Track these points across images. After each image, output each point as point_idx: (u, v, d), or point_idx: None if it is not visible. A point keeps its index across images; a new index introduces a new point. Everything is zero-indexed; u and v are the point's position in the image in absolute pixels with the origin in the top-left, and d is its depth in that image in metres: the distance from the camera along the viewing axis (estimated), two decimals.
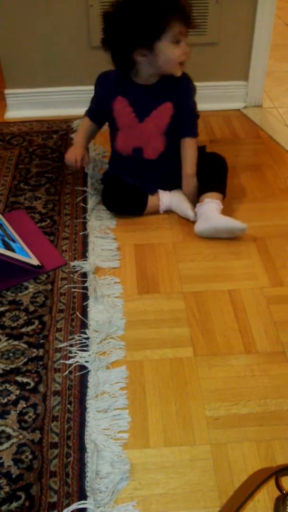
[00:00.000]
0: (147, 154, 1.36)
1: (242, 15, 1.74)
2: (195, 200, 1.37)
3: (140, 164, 1.38)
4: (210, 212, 1.30)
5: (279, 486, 0.62)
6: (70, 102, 1.89)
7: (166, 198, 1.39)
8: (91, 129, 1.43)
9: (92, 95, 1.41)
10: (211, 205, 1.32)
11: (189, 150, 1.37)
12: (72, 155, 1.38)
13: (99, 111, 1.39)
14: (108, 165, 1.49)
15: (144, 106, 1.32)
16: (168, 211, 1.41)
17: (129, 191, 1.38)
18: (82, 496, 0.80)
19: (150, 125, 1.33)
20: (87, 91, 1.86)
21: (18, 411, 0.92)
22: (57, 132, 1.78)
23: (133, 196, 1.38)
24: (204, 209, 1.32)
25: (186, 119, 1.35)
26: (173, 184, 1.40)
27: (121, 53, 1.25)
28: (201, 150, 1.44)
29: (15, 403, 0.94)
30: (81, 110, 1.88)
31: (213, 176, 1.37)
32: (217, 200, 1.33)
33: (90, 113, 1.42)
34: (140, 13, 1.19)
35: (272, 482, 0.64)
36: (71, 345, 1.04)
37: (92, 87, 1.84)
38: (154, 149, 1.36)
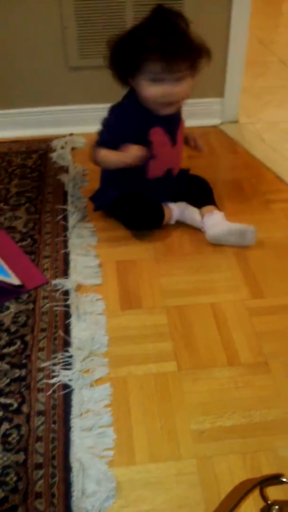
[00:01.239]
0: (174, 172, 1.41)
1: (215, 33, 1.78)
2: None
3: (164, 182, 1.40)
4: (222, 219, 1.37)
5: (263, 496, 0.62)
6: (49, 122, 1.90)
7: (176, 209, 1.41)
8: None
9: (67, 113, 1.41)
10: (220, 215, 1.38)
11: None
12: (133, 152, 1.26)
13: (116, 143, 1.30)
14: (107, 187, 1.46)
15: (174, 131, 1.34)
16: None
17: (147, 205, 1.38)
18: None
19: (179, 146, 1.38)
20: (66, 111, 1.89)
21: (1, 433, 0.91)
22: (37, 152, 1.79)
23: (152, 209, 1.39)
24: (215, 218, 1.37)
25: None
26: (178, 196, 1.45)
27: (118, 78, 1.26)
28: (185, 172, 1.48)
29: None
30: (60, 130, 1.90)
31: (206, 194, 1.44)
32: (222, 213, 1.39)
33: (105, 145, 1.31)
34: (125, 45, 1.20)
35: (258, 493, 0.64)
36: (54, 364, 1.03)
37: (71, 107, 1.88)
38: (179, 167, 1.43)
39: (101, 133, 1.33)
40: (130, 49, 1.18)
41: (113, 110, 1.31)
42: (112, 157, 1.30)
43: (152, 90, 1.21)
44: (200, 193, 1.44)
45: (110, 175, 1.43)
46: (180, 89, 1.22)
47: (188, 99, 1.28)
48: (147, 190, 1.39)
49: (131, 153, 1.26)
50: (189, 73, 1.21)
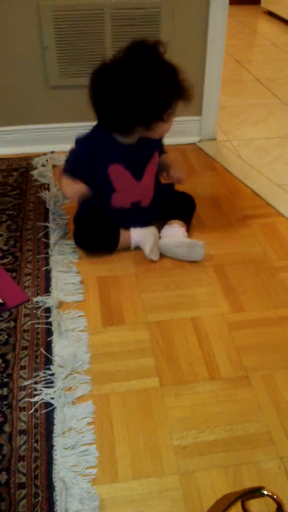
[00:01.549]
0: (144, 204, 1.42)
1: (192, 53, 1.82)
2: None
3: (134, 212, 1.41)
4: (178, 233, 1.38)
5: (245, 510, 0.63)
6: (29, 140, 1.91)
7: (136, 236, 1.39)
8: None
9: (48, 132, 1.42)
10: (180, 229, 1.39)
11: (167, 155, 1.47)
12: (75, 189, 1.31)
13: (80, 174, 1.32)
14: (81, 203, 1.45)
15: (138, 166, 1.35)
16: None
17: (102, 227, 1.38)
18: None
19: (147, 180, 1.38)
20: (47, 129, 1.91)
21: None
22: (17, 170, 1.79)
23: (106, 233, 1.38)
24: (173, 231, 1.39)
25: (161, 147, 1.44)
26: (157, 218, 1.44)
27: (120, 127, 1.24)
28: (169, 187, 1.50)
29: None
30: (41, 148, 1.91)
31: (182, 210, 1.45)
32: (183, 228, 1.40)
33: (70, 174, 1.33)
34: (145, 96, 1.14)
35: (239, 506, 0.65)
36: (35, 383, 1.03)
37: (52, 125, 1.90)
38: (148, 199, 1.42)
39: (67, 162, 1.36)
40: (153, 99, 1.15)
41: (80, 141, 1.32)
42: (64, 186, 1.34)
43: (165, 127, 1.25)
44: (175, 210, 1.45)
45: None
46: (166, 130, 1.28)
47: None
48: (115, 218, 1.39)
49: (68, 190, 1.32)
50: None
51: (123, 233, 1.39)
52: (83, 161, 1.32)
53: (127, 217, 1.41)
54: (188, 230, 1.43)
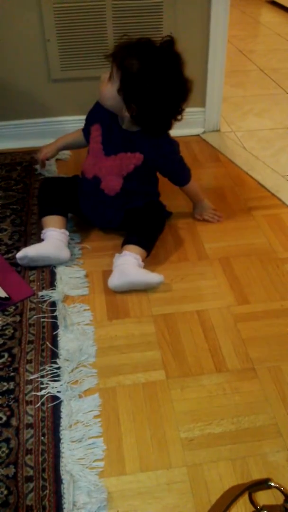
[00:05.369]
0: (103, 187, 1.37)
1: (195, 44, 1.81)
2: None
3: (96, 194, 1.38)
4: (127, 265, 1.24)
5: (252, 502, 0.63)
6: (32, 134, 1.91)
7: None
8: (76, 139, 1.50)
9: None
10: (128, 258, 1.25)
11: (191, 189, 1.49)
12: (43, 150, 1.52)
13: (86, 129, 1.44)
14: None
15: (113, 144, 1.34)
16: None
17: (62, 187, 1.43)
18: None
19: (112, 164, 1.34)
20: (50, 123, 1.90)
21: None
22: (21, 164, 1.79)
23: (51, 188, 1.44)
24: (121, 261, 1.25)
25: (179, 174, 1.44)
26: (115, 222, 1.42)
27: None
28: (158, 206, 1.45)
29: None
30: (44, 142, 1.89)
31: (144, 231, 1.34)
32: (136, 255, 1.26)
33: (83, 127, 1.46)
34: None
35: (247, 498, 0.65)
36: (42, 376, 1.03)
37: (54, 119, 1.89)
38: (110, 187, 1.37)
39: None
40: None
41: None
42: None
43: None
44: (133, 230, 1.34)
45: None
46: (100, 86, 1.28)
47: (103, 102, 1.30)
48: (82, 190, 1.42)
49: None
50: (113, 81, 1.23)
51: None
52: (88, 115, 1.41)
53: (86, 191, 1.41)
54: (147, 254, 1.31)
